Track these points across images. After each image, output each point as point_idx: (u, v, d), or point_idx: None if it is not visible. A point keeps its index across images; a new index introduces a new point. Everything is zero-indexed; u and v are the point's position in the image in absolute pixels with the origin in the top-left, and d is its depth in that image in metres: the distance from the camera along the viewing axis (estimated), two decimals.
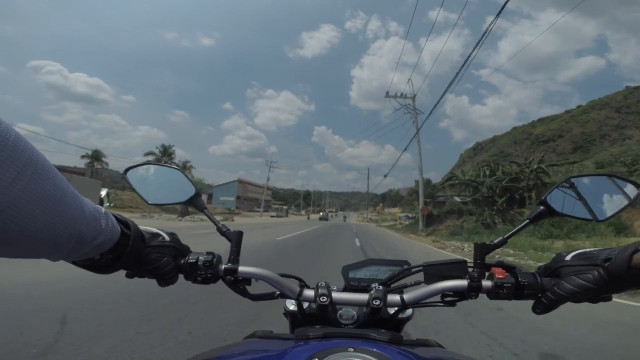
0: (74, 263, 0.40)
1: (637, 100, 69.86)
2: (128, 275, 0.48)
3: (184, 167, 38.64)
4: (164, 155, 35.30)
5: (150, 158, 33.13)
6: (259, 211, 47.66)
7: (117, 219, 0.42)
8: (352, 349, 0.39)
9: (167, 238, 0.51)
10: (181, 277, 0.51)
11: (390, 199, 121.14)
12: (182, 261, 0.50)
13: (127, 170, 0.59)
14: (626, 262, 0.40)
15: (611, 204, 0.52)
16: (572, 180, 0.55)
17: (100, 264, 0.42)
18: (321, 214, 50.45)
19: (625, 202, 0.51)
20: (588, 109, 79.75)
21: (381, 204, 50.78)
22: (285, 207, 60.47)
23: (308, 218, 48.61)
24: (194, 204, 0.59)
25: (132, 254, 0.43)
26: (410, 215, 40.59)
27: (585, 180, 0.55)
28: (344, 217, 57.94)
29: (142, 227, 0.48)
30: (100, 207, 0.37)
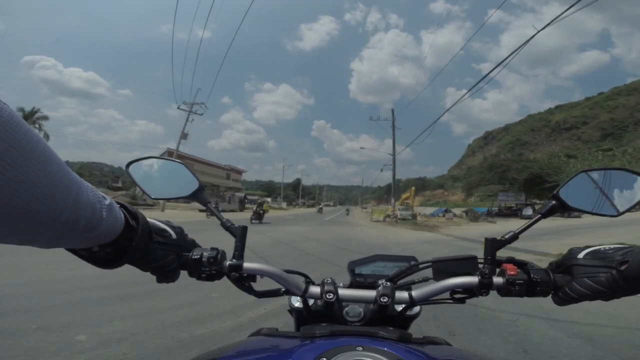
0: (74, 253, 0.38)
1: None
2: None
3: (32, 115, 29.96)
4: None
5: None
6: (213, 203, 20.15)
7: (127, 210, 0.40)
8: (360, 348, 0.38)
9: (173, 235, 0.49)
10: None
11: (398, 190, 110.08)
12: (186, 258, 0.49)
13: (129, 164, 0.57)
14: None
15: (625, 198, 0.52)
16: (585, 174, 0.54)
17: (99, 257, 0.39)
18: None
19: (639, 196, 0.51)
20: (613, 96, 74.25)
21: (413, 188, 30.93)
22: (241, 195, 35.14)
23: (253, 220, 15.87)
24: (197, 198, 0.58)
25: (138, 249, 0.41)
26: None
27: (598, 174, 0.54)
28: (347, 210, 45.61)
29: (150, 221, 0.46)
30: (106, 196, 0.35)
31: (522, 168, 34.59)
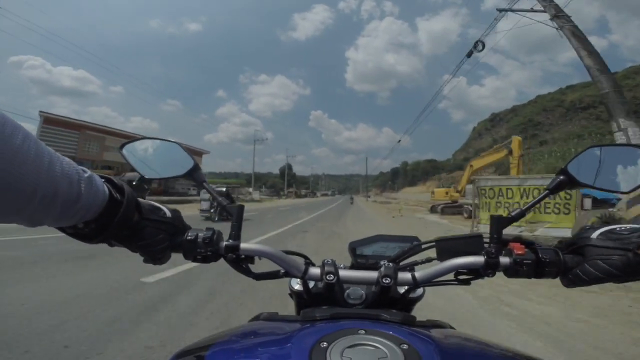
0: (60, 229, 0.37)
1: None
2: (110, 245, 0.43)
3: None
4: None
5: None
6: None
7: (114, 184, 0.39)
8: (363, 331, 0.37)
9: (168, 214, 0.47)
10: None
11: (405, 174, 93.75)
12: (181, 239, 0.48)
13: (122, 145, 0.58)
14: None
15: (634, 175, 0.50)
16: (594, 149, 0.53)
17: (83, 233, 0.38)
18: None
19: None
20: (630, 74, 71.11)
21: (517, 138, 10.70)
22: (134, 175, 13.12)
23: None
24: (192, 177, 0.57)
25: (122, 224, 0.39)
26: None
27: (608, 150, 0.53)
28: (351, 198, 39.81)
29: (143, 200, 0.45)
30: (86, 169, 0.34)
31: None
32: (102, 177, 0.38)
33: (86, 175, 0.34)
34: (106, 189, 0.37)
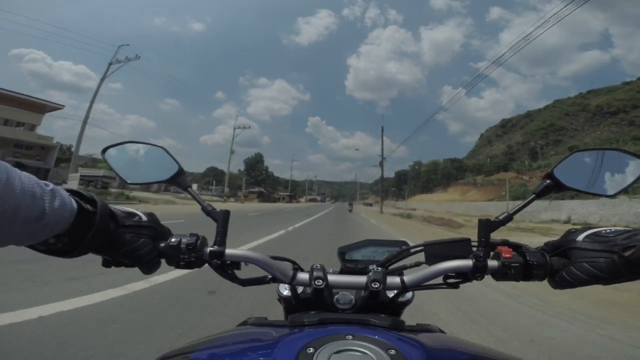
0: (30, 246, 0.35)
1: None
2: (104, 264, 0.44)
3: None
4: None
5: None
6: None
7: (82, 196, 0.38)
8: (350, 337, 0.37)
9: (144, 218, 0.46)
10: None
11: (417, 178, 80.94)
12: (163, 244, 0.46)
13: (105, 149, 0.55)
14: None
15: (619, 178, 0.52)
16: (579, 153, 0.53)
17: (56, 248, 0.36)
18: None
19: (633, 177, 0.50)
20: None
21: None
22: None
23: None
24: (177, 182, 0.55)
25: (98, 235, 0.38)
26: None
27: (593, 154, 0.53)
28: (350, 205, 34.02)
29: (115, 207, 0.44)
30: (48, 183, 0.33)
31: None
32: (68, 190, 0.37)
33: (49, 188, 0.32)
34: (73, 201, 0.35)
